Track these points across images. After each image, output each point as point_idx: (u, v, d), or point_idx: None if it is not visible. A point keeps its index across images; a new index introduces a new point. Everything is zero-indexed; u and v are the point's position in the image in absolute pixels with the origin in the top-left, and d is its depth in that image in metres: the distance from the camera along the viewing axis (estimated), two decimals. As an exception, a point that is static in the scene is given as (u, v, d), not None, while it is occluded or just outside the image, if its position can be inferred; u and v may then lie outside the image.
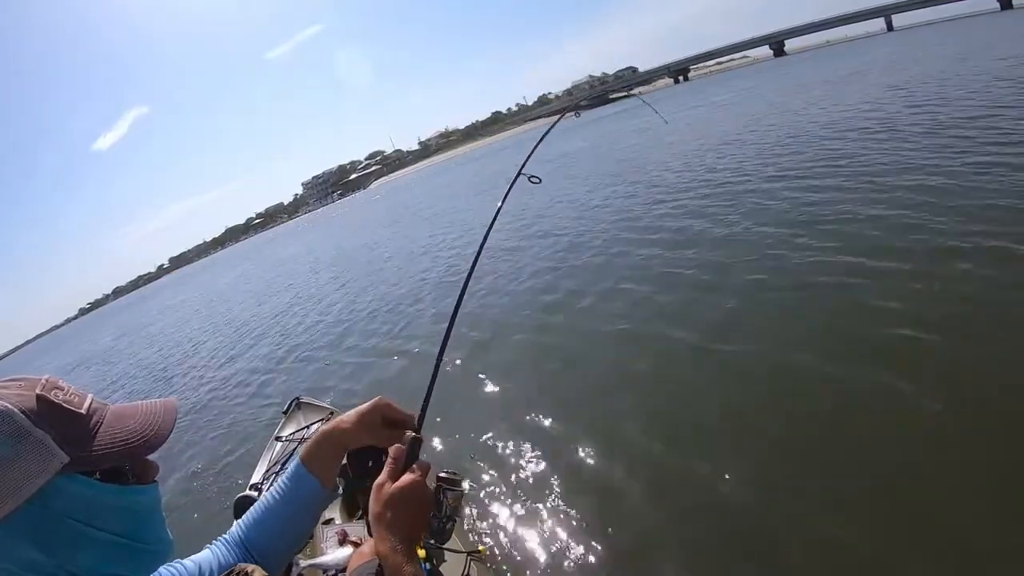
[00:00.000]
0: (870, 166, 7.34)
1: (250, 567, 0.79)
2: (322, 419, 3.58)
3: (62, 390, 0.76)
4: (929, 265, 4.27)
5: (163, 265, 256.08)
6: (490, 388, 4.92)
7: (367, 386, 6.04)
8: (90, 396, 0.80)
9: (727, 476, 2.93)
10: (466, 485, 1.74)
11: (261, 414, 6.47)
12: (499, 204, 1.54)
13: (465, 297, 1.34)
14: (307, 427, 3.59)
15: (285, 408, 4.05)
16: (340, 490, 1.06)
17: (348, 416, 0.99)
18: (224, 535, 0.97)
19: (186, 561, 0.86)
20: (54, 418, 0.72)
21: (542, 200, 12.63)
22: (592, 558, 2.76)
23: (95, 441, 0.75)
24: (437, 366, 1.15)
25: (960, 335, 3.39)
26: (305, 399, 4.13)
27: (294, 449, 3.28)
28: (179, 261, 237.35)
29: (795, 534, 2.51)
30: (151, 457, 0.84)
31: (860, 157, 7.94)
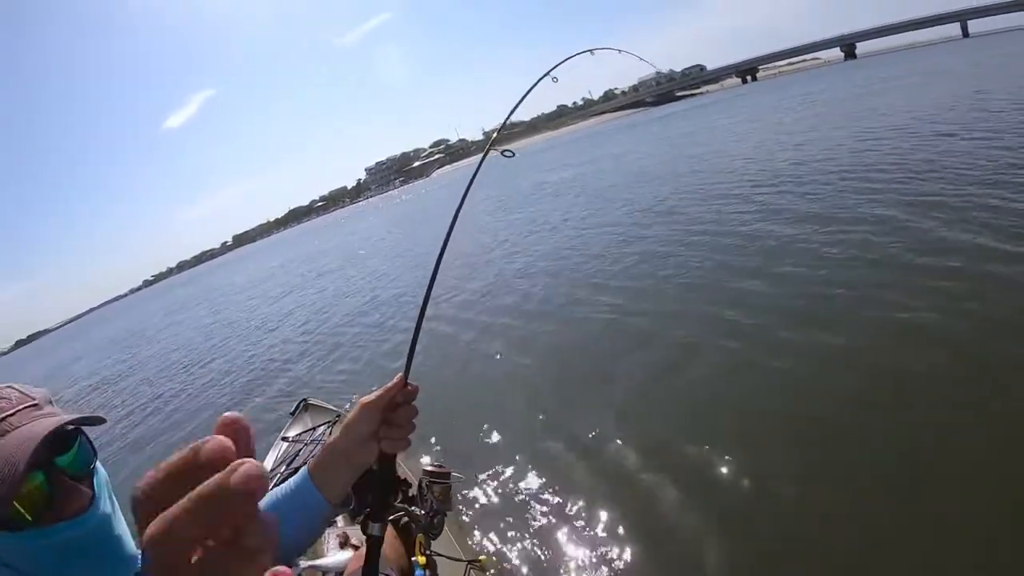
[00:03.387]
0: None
1: None
2: (329, 421, 3.54)
3: None
4: None
5: (227, 242, 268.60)
6: (492, 387, 4.70)
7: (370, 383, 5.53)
8: None
9: (751, 480, 2.76)
10: (454, 476, 1.70)
11: (269, 413, 5.97)
12: (465, 190, 1.40)
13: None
14: (313, 429, 3.52)
15: (292, 409, 3.96)
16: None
17: (342, 429, 0.95)
18: None
19: None
20: None
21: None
22: (602, 568, 2.58)
23: None
24: (420, 319, 1.11)
25: None
26: (312, 400, 4.06)
27: (299, 451, 3.22)
28: (242, 239, 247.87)
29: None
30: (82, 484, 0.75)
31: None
